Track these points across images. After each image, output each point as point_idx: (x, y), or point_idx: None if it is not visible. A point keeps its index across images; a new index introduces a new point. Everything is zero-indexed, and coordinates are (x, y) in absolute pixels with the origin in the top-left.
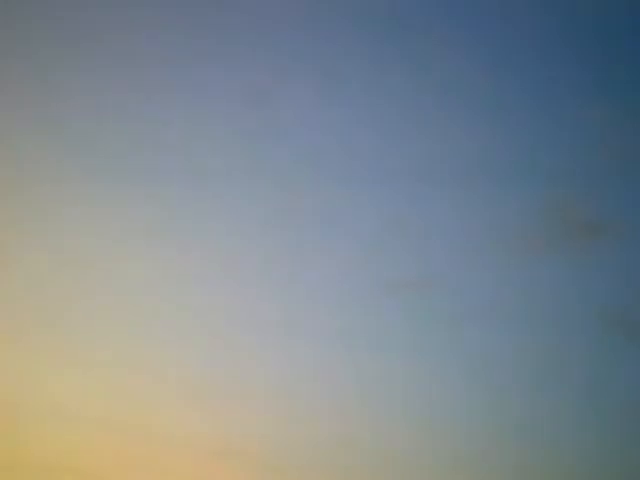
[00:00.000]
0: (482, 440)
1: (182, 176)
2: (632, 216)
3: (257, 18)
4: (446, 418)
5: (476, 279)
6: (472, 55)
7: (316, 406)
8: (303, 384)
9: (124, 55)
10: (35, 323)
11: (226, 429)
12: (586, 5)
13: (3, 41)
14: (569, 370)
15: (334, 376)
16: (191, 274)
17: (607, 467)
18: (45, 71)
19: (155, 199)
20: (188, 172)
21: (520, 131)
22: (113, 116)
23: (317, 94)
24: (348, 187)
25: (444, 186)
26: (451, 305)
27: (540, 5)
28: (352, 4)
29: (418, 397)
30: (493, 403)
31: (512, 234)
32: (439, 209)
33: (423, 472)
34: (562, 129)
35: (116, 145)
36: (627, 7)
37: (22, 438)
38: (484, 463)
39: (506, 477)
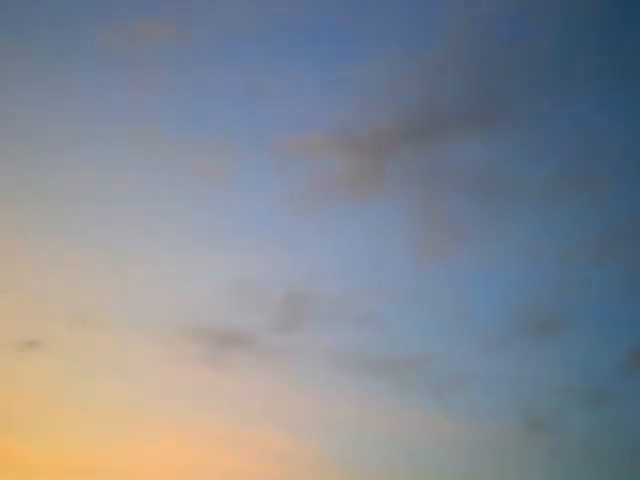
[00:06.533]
0: None
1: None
2: (577, 317)
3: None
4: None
5: (462, 362)
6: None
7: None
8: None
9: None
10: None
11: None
12: None
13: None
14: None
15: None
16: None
17: None
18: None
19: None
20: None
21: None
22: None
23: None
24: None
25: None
26: (439, 379)
27: None
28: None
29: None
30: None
31: (488, 330)
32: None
33: None
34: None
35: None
36: None
37: (70, 440)
38: None
39: None
